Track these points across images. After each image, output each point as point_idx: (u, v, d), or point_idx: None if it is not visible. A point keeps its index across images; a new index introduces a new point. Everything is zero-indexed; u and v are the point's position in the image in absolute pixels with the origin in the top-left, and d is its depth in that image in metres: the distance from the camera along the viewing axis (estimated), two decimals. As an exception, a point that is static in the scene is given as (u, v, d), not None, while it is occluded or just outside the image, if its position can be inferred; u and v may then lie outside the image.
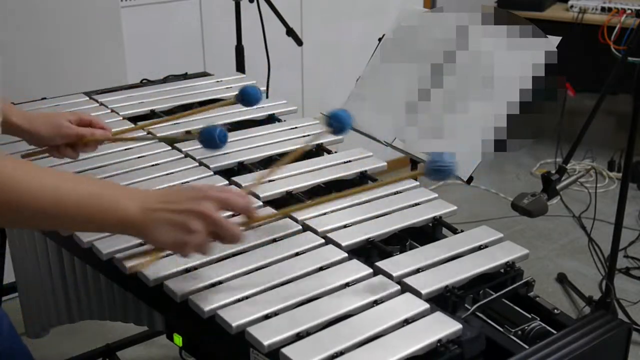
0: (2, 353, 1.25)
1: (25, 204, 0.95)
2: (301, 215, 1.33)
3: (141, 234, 1.04)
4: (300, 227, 1.31)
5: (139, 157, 1.58)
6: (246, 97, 1.53)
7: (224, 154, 1.57)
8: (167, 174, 1.51)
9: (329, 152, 1.68)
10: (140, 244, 1.24)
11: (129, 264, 1.16)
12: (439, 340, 1.02)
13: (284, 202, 1.43)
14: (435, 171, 1.11)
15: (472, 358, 1.05)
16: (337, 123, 1.35)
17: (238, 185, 1.47)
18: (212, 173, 1.52)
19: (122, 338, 2.36)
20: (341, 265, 1.20)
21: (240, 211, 1.09)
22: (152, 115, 1.85)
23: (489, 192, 3.73)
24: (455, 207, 1.41)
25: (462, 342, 1.03)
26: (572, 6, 3.79)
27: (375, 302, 1.10)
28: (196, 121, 1.72)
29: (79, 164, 1.53)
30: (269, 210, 1.36)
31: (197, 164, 1.56)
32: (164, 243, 1.03)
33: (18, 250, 1.73)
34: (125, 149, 1.62)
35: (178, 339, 1.26)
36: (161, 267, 1.16)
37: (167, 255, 1.15)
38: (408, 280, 1.15)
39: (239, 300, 1.09)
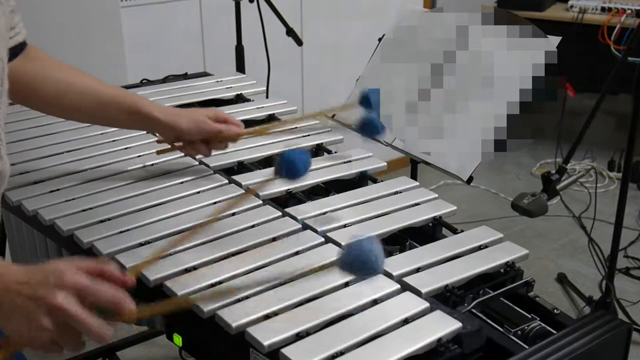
0: None
1: None
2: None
3: None
4: (300, 226, 1.31)
5: (137, 157, 1.58)
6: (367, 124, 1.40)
7: (224, 153, 1.57)
8: (167, 174, 1.51)
9: (329, 152, 1.68)
10: (140, 244, 1.24)
11: None
12: (439, 340, 1.02)
13: (285, 201, 1.43)
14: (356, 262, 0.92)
15: (471, 352, 1.05)
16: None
17: (238, 184, 1.47)
18: (212, 172, 1.52)
19: (122, 338, 2.36)
20: (341, 265, 1.20)
21: (106, 305, 0.86)
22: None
23: (489, 192, 3.73)
24: (455, 207, 1.41)
25: (461, 335, 1.03)
26: (572, 6, 3.79)
27: (375, 302, 1.10)
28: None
29: (82, 162, 1.53)
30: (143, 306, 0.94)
31: (197, 162, 1.56)
32: (15, 333, 0.85)
33: (18, 250, 1.73)
34: (125, 148, 1.62)
35: (178, 339, 1.26)
36: (161, 267, 1.17)
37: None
38: (408, 280, 1.15)
39: (238, 300, 1.09)
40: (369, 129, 1.35)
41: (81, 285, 0.84)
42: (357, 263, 0.89)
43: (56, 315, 0.83)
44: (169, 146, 1.47)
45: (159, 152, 1.53)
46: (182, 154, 1.55)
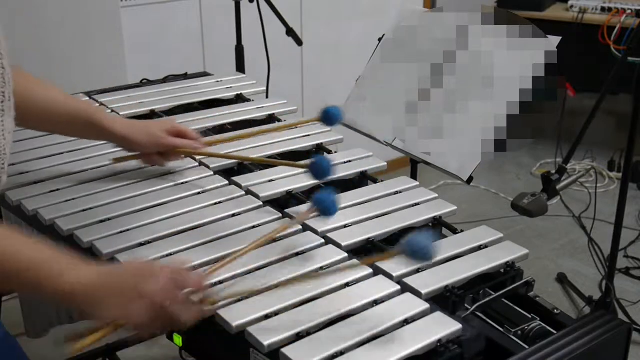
0: None
1: None
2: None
3: (84, 308, 0.99)
4: (300, 227, 1.31)
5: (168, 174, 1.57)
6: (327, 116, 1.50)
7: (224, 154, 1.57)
8: (167, 174, 1.51)
9: (329, 152, 1.68)
10: (140, 244, 1.24)
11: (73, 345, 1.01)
12: (439, 340, 1.02)
13: (285, 202, 1.43)
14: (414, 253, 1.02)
15: (471, 357, 1.05)
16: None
17: (238, 185, 1.47)
18: (212, 173, 1.52)
19: (122, 338, 2.36)
20: (341, 265, 1.20)
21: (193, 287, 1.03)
22: (152, 115, 1.85)
23: (489, 192, 3.73)
24: (455, 207, 1.41)
25: (461, 341, 1.03)
26: (572, 6, 3.79)
27: (375, 302, 1.10)
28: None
29: (82, 162, 1.54)
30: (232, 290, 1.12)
31: (197, 164, 1.56)
32: (109, 318, 0.99)
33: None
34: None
35: (178, 339, 1.26)
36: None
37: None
38: (408, 280, 1.15)
39: (239, 301, 1.09)
40: (328, 120, 1.46)
41: (171, 278, 0.99)
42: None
43: (150, 305, 0.96)
44: (127, 154, 1.49)
45: (115, 160, 1.52)
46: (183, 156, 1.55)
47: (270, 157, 1.62)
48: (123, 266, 1.08)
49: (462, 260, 1.23)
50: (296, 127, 1.73)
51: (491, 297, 1.16)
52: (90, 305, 0.98)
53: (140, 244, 1.25)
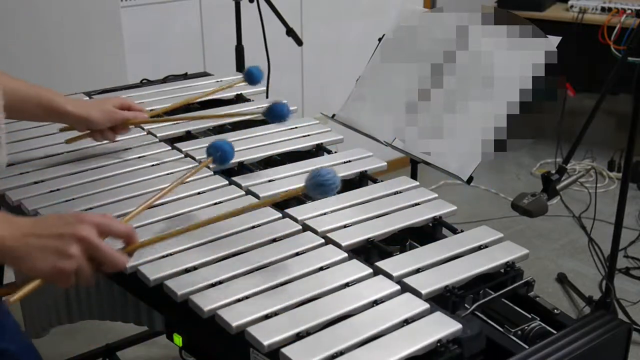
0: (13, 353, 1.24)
1: None
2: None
3: (15, 261, 0.97)
4: (300, 227, 1.31)
5: (139, 157, 1.58)
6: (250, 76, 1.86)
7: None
8: (167, 174, 1.51)
9: (329, 152, 1.68)
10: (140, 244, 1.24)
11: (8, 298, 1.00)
12: (439, 341, 1.02)
13: (285, 202, 1.43)
14: (317, 186, 1.14)
15: (472, 356, 1.05)
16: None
17: (238, 185, 1.47)
18: (212, 173, 1.52)
19: (122, 338, 2.36)
20: (341, 265, 1.20)
21: (121, 236, 1.04)
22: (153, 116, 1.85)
23: (489, 192, 3.73)
24: (455, 207, 1.41)
25: (461, 340, 1.03)
26: (572, 6, 3.79)
27: (375, 302, 1.10)
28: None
29: (82, 162, 1.54)
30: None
31: (197, 163, 1.56)
32: (41, 271, 0.96)
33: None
34: (126, 149, 1.62)
35: (178, 339, 1.26)
36: (161, 267, 1.17)
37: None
38: (408, 280, 1.15)
39: (239, 300, 1.09)
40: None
41: (99, 221, 0.99)
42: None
43: (82, 245, 0.96)
44: (78, 134, 1.56)
45: (68, 141, 1.59)
46: (182, 156, 1.58)
47: (270, 157, 1.63)
48: (48, 216, 1.04)
49: (462, 260, 1.22)
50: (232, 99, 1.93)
51: (491, 297, 1.16)
52: (17, 258, 0.96)
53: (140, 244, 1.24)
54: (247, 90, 2.03)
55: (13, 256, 0.96)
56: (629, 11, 3.57)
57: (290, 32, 2.44)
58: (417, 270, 1.18)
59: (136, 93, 1.97)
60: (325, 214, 1.36)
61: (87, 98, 1.94)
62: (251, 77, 1.88)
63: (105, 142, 1.57)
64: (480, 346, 1.06)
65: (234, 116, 1.80)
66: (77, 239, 0.96)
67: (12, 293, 0.98)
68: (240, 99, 1.99)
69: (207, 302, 1.08)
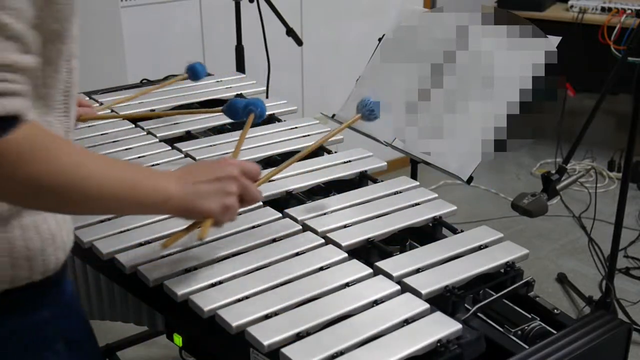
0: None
1: (78, 189, 0.90)
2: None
3: (188, 208, 1.03)
4: (300, 227, 1.31)
5: (139, 157, 1.58)
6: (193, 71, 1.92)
7: (225, 153, 1.57)
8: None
9: (329, 152, 1.68)
10: (140, 244, 1.24)
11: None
12: (439, 341, 1.02)
13: (285, 202, 1.43)
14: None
15: (472, 358, 1.05)
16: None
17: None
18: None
19: (122, 338, 2.36)
20: (341, 265, 1.20)
21: (254, 177, 1.14)
22: (151, 116, 1.85)
23: (489, 192, 3.73)
24: (455, 207, 1.41)
25: (462, 344, 1.03)
26: (572, 6, 3.79)
27: (375, 302, 1.10)
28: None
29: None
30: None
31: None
32: (212, 211, 1.04)
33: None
34: (126, 149, 1.62)
35: (178, 339, 1.26)
36: (161, 267, 1.17)
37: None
38: (408, 280, 1.15)
39: (239, 300, 1.09)
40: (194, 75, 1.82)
41: (237, 163, 1.10)
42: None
43: (236, 183, 1.07)
44: None
45: None
46: (182, 156, 1.58)
47: (269, 157, 1.63)
48: (197, 163, 1.22)
49: (462, 260, 1.23)
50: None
51: (491, 297, 1.16)
52: (189, 206, 1.02)
53: (140, 244, 1.25)
54: (247, 90, 2.03)
55: (185, 206, 1.02)
56: (629, 11, 3.57)
57: (290, 32, 2.44)
58: (417, 270, 1.18)
59: (136, 93, 1.97)
60: (325, 214, 1.36)
61: (87, 98, 1.94)
62: (194, 73, 1.92)
63: (105, 142, 1.55)
64: (480, 350, 1.06)
65: (195, 114, 1.82)
66: (232, 179, 1.07)
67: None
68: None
69: (207, 302, 1.09)
